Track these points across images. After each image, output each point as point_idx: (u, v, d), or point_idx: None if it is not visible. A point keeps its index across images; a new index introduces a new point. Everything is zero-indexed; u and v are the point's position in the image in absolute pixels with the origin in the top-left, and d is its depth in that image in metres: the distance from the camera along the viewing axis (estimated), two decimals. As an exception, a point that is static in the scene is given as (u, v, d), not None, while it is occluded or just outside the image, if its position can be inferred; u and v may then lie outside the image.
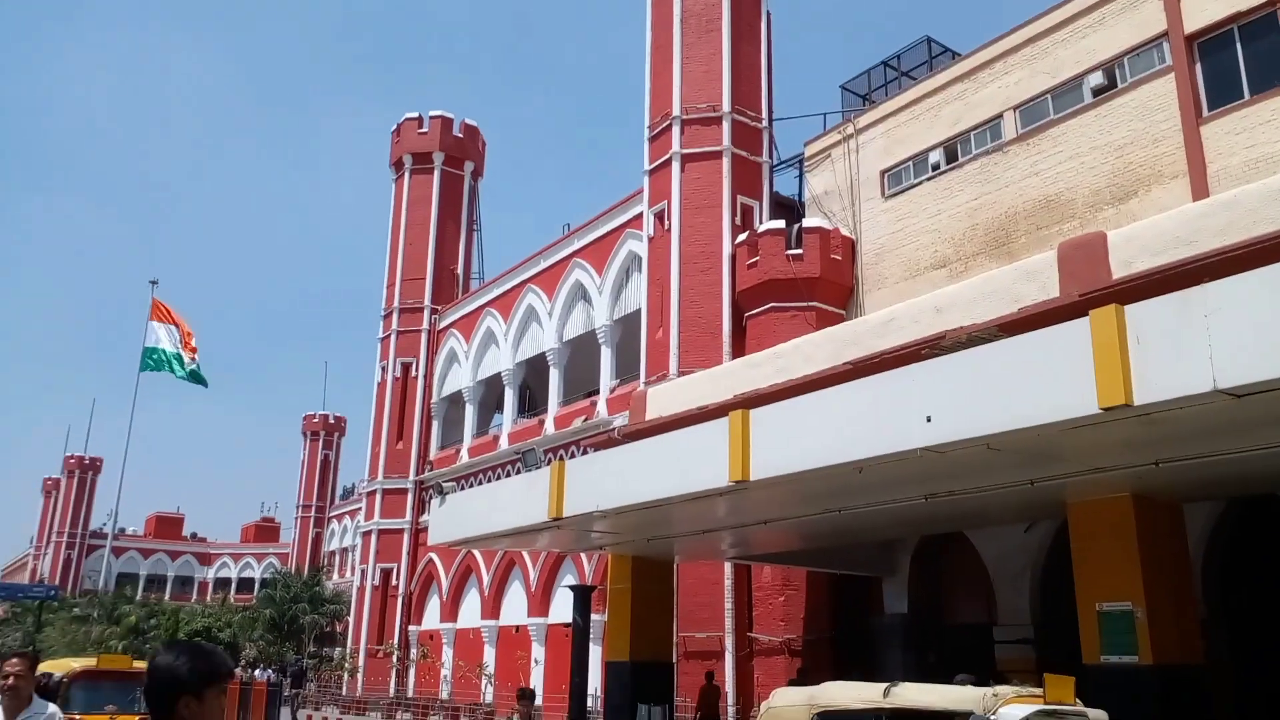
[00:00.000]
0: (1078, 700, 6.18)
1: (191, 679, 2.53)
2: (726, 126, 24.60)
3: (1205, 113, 16.97)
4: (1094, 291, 11.72)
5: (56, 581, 67.05)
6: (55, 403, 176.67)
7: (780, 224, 22.73)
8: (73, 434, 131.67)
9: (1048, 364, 7.58)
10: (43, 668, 12.79)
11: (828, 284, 21.91)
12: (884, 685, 6.56)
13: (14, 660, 5.16)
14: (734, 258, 23.29)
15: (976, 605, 17.23)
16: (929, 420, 8.05)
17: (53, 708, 5.18)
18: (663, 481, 11.29)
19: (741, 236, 23.34)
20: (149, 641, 39.54)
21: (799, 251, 21.96)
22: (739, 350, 21.94)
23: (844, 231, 22.87)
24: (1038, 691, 5.99)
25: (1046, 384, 7.48)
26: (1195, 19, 17.20)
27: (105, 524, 65.15)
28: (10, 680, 4.98)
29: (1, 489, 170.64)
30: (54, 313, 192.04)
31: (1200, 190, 16.27)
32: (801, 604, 19.57)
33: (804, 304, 21.42)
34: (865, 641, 17.89)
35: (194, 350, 34.08)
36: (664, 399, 18.44)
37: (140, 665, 11.51)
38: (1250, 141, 16.15)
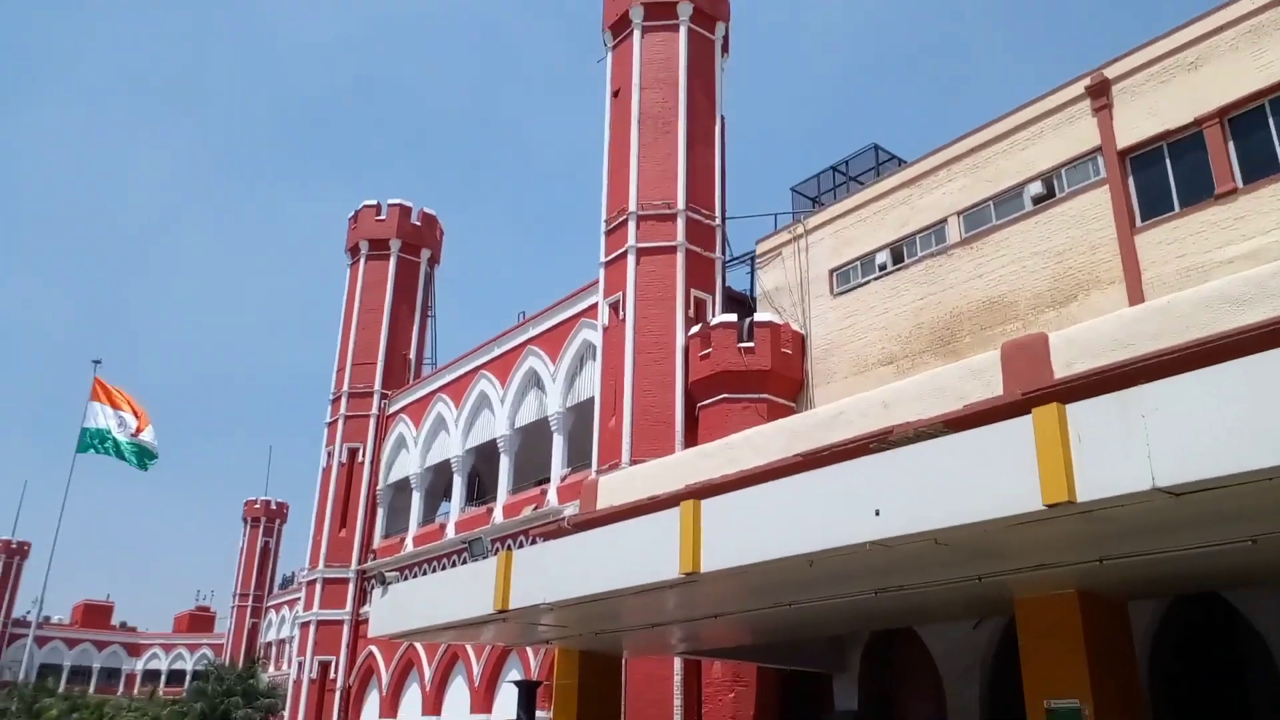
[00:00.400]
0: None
1: None
2: (681, 223, 25.16)
3: (1139, 223, 17.77)
4: (1036, 391, 12.03)
5: (-28, 672, 63.63)
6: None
7: (733, 318, 23.12)
8: (0, 516, 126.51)
9: (992, 460, 7.72)
10: None
11: (779, 377, 22.22)
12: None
13: None
14: (687, 349, 23.56)
15: (926, 702, 17.11)
16: (877, 514, 8.12)
17: None
18: (612, 572, 11.17)
19: (695, 329, 23.66)
20: (68, 738, 37.50)
21: (750, 345, 22.30)
22: (691, 440, 22.02)
23: (794, 327, 23.31)
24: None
25: (991, 479, 7.61)
26: (1127, 135, 18.15)
27: (29, 611, 62.40)
28: None
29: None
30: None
31: (1136, 296, 16.93)
32: (752, 701, 19.26)
33: (755, 395, 21.67)
34: (815, 740, 17.61)
35: (145, 423, 33.26)
36: (615, 487, 18.37)
37: None
38: (1181, 251, 16.91)
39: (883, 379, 19.46)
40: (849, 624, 15.55)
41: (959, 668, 16.26)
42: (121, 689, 68.89)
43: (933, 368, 17.31)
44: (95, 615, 79.34)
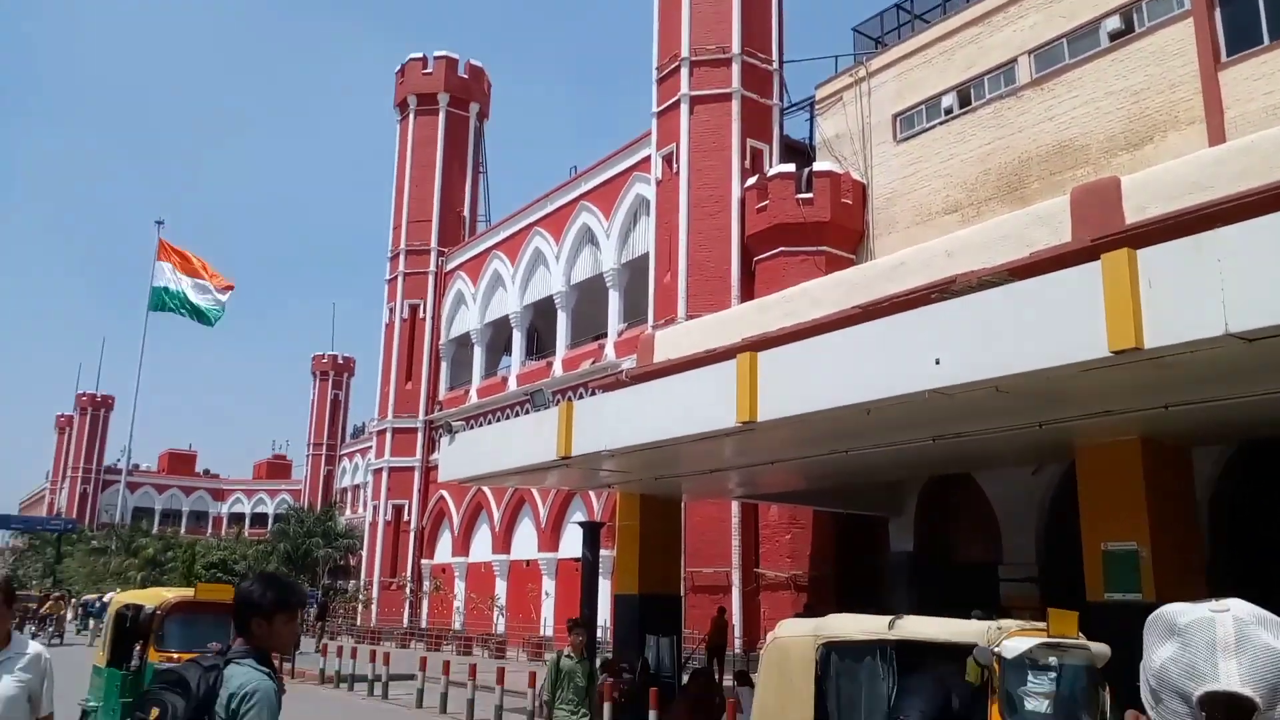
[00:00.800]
0: (1080, 635, 6.34)
1: (263, 604, 2.95)
2: (736, 69, 24.30)
3: (1224, 58, 16.71)
4: (1106, 236, 11.69)
5: (73, 515, 68.09)
6: (65, 340, 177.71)
7: (790, 168, 22.58)
8: (84, 371, 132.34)
9: (1058, 307, 7.61)
10: (129, 598, 11.47)
11: (838, 228, 21.83)
12: (889, 618, 6.74)
13: None
14: (743, 201, 23.18)
15: (982, 545, 17.48)
16: (938, 363, 8.11)
17: (35, 647, 4.13)
18: (670, 422, 11.41)
19: (751, 180, 23.19)
20: (166, 573, 40.28)
21: (809, 195, 21.84)
22: (747, 295, 21.95)
23: (855, 176, 22.71)
24: (1041, 626, 6.15)
25: (1057, 327, 7.52)
26: (1218, -42, 16.86)
27: (119, 460, 65.94)
28: None
29: (15, 425, 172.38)
30: (63, 250, 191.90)
31: (1217, 136, 16.11)
32: (808, 541, 19.88)
33: (814, 248, 21.38)
34: (870, 579, 18.21)
35: (213, 279, 33.96)
36: (672, 342, 18.53)
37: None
38: (1269, 87, 15.94)
39: (946, 228, 19.03)
40: (906, 470, 15.78)
41: (1016, 512, 16.50)
42: (210, 530, 73.30)
43: (999, 215, 16.86)
44: (180, 463, 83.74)
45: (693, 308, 22.86)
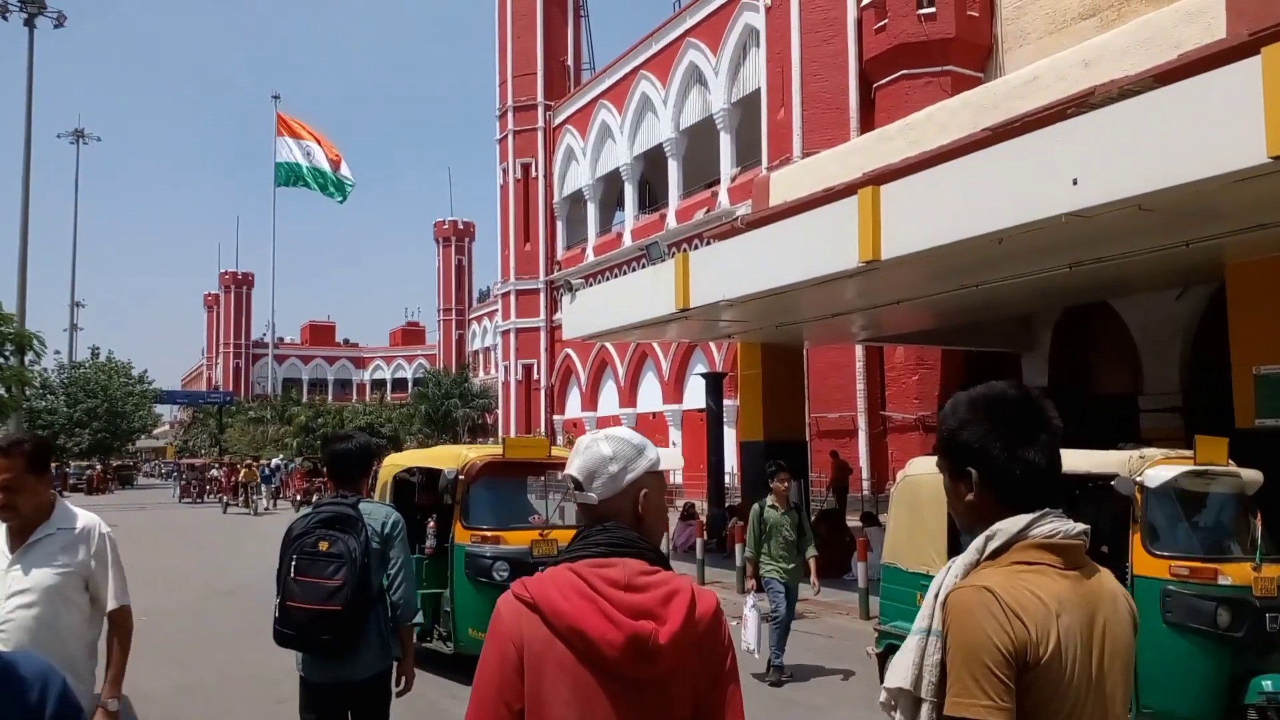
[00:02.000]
0: (1230, 462, 6.02)
1: (367, 460, 2.70)
2: (847, -125, 22.42)
3: None
4: (1267, 29, 10.49)
5: (230, 388, 73.06)
6: (205, 221, 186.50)
7: (910, -19, 20.99)
8: (223, 251, 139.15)
9: (1210, 112, 6.93)
10: (408, 460, 9.74)
11: (964, 44, 20.31)
12: (1023, 452, 6.54)
13: None
14: (860, 23, 21.79)
15: (1121, 376, 16.79)
16: (1075, 183, 7.58)
17: (88, 519, 3.34)
18: (790, 267, 11.15)
19: None
20: (318, 439, 43.00)
21: (931, 10, 20.31)
22: (867, 125, 20.92)
23: (981, -16, 20.96)
24: (1188, 454, 5.85)
25: (1208, 135, 6.87)
26: None
27: (265, 334, 69.91)
28: None
29: (169, 305, 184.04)
30: (192, 133, 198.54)
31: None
32: (936, 382, 19.51)
33: (938, 69, 20.03)
34: (1002, 416, 17.83)
35: (337, 157, 34.66)
36: (789, 182, 17.93)
37: (561, 453, 8.38)
38: None
39: (1083, 35, 17.47)
40: (1039, 301, 15.14)
41: (1158, 339, 15.71)
42: (354, 396, 77.54)
43: (1142, 15, 15.35)
44: (321, 334, 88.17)
45: (809, 144, 22.01)
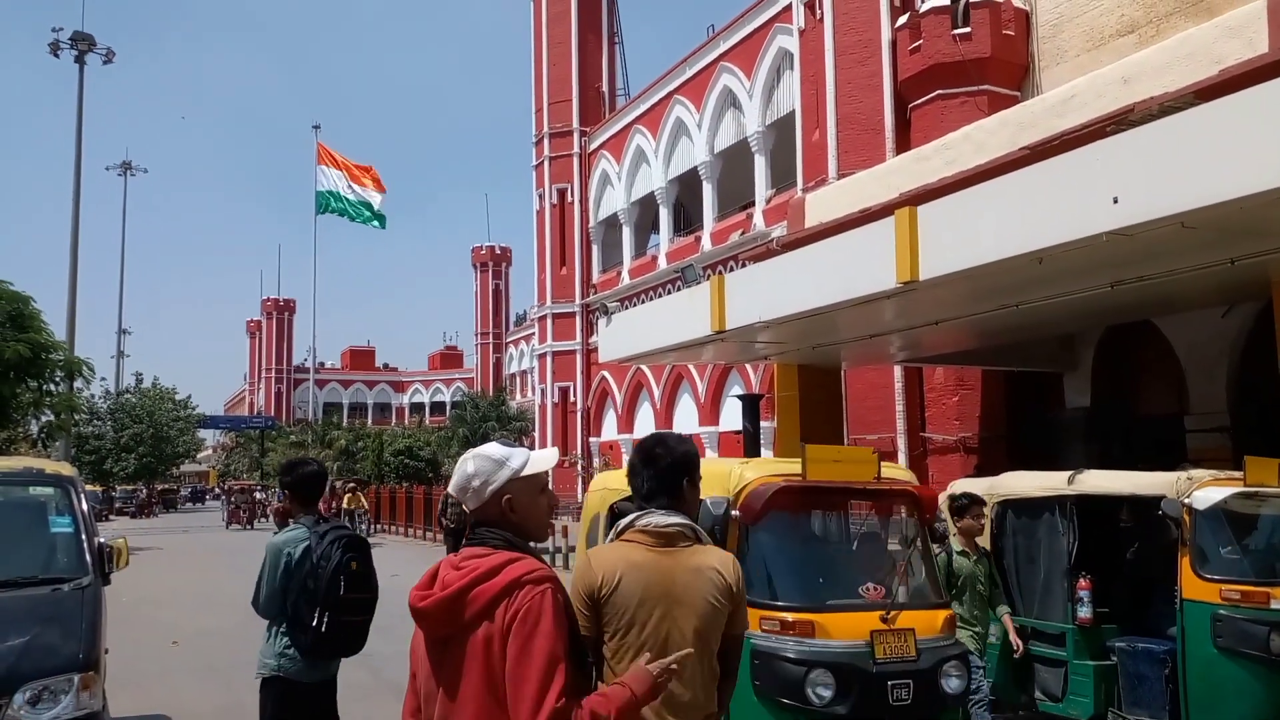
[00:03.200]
0: (1281, 483, 5.90)
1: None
2: (879, -102, 22.48)
3: None
4: (1313, 42, 10.35)
5: (271, 413, 74.01)
6: (246, 249, 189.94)
7: (945, 0, 20.95)
8: (265, 278, 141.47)
9: (1253, 128, 6.83)
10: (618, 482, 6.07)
11: (1000, 63, 20.20)
12: (1068, 473, 6.45)
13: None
14: (894, 44, 21.75)
15: (1166, 395, 16.48)
16: (1116, 201, 7.49)
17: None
18: (826, 288, 11.10)
19: (902, 19, 21.68)
20: (358, 462, 43.38)
21: (967, 30, 20.23)
22: (903, 146, 20.84)
23: (1017, 3, 20.85)
24: (1237, 475, 5.74)
25: (1252, 150, 6.77)
26: None
27: (306, 359, 70.83)
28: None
29: (213, 332, 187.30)
30: (234, 163, 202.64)
31: None
32: (976, 403, 19.26)
33: (974, 88, 19.91)
34: (1044, 437, 17.53)
35: (379, 185, 35.08)
36: (824, 204, 17.91)
37: (897, 473, 5.70)
38: None
39: (1122, 52, 17.31)
40: (1081, 321, 14.92)
41: (1204, 358, 15.41)
42: (394, 420, 78.22)
43: (1182, 31, 15.20)
44: (361, 359, 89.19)
45: (844, 165, 21.96)
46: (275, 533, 4.72)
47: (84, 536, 5.39)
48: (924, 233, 9.51)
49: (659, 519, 2.58)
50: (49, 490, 5.69)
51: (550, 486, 2.49)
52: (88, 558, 5.30)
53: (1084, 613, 6.16)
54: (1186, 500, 5.57)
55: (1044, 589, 6.51)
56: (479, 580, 2.14)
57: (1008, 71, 20.36)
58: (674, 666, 2.28)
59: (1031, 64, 20.50)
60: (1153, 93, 11.65)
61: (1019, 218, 8.53)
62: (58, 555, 5.43)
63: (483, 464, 2.26)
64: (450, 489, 2.32)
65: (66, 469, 6.13)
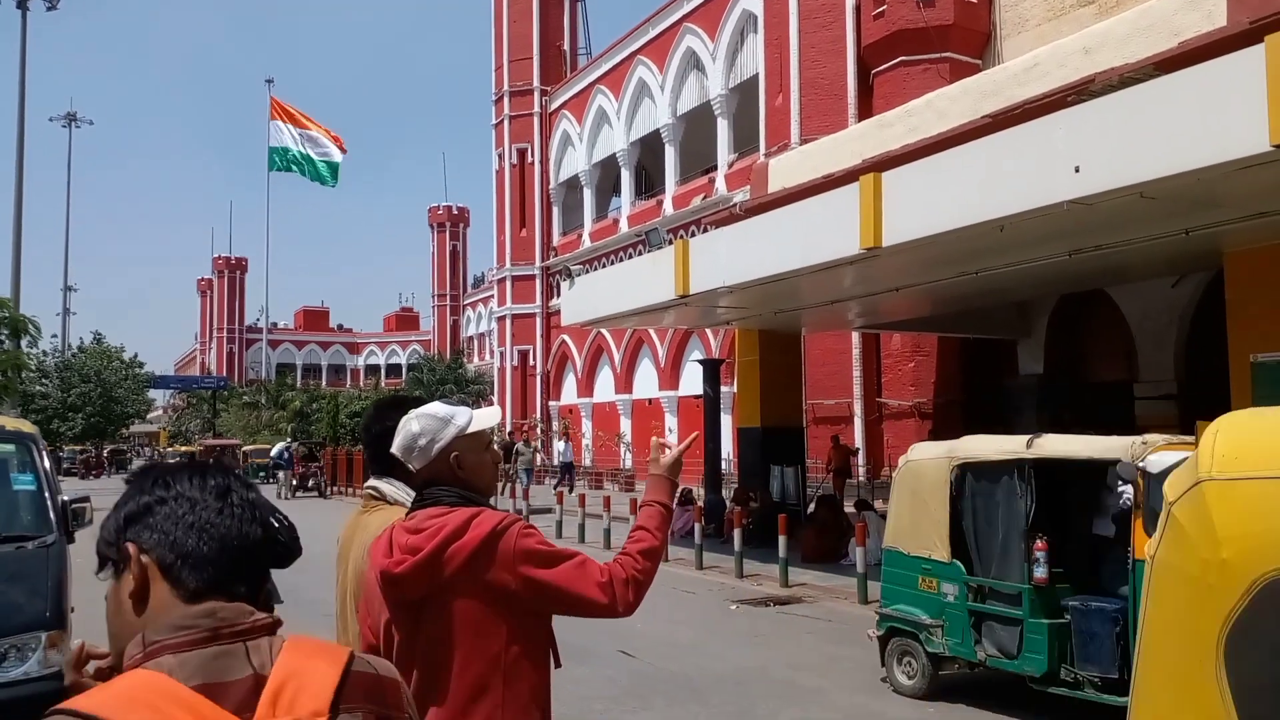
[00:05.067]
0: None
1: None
2: None
3: None
4: (1268, 17, 10.53)
5: (223, 373, 72.83)
6: (197, 206, 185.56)
7: (908, -32, 20.93)
8: (216, 236, 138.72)
9: (1212, 100, 6.98)
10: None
11: (963, 31, 20.29)
12: (1027, 437, 6.61)
13: None
14: (858, 9, 21.73)
15: (1116, 363, 16.89)
16: (1077, 171, 7.63)
17: None
18: (789, 254, 11.19)
19: (866, -14, 21.68)
20: (313, 424, 42.96)
21: (929, -3, 20.29)
22: (866, 112, 20.90)
23: (979, -28, 20.92)
24: (1189, 439, 5.92)
25: (1210, 123, 6.92)
26: None
27: (259, 319, 69.72)
28: None
29: (162, 290, 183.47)
30: (185, 119, 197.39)
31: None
32: (932, 369, 19.58)
33: (937, 55, 20.00)
34: (998, 403, 17.90)
35: (341, 145, 34.33)
36: (787, 169, 17.95)
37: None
38: None
39: (1083, 22, 17.48)
40: (1037, 289, 15.21)
41: (1154, 327, 15.80)
42: (349, 382, 77.43)
43: (1142, 2, 15.38)
44: (315, 319, 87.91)
45: (807, 130, 22.01)
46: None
47: (47, 494, 5.32)
48: (887, 199, 9.61)
49: (382, 486, 2.75)
50: (9, 447, 5.60)
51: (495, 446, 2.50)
52: (51, 515, 5.25)
53: (1040, 573, 6.33)
54: (1141, 464, 5.74)
55: (1001, 550, 6.68)
56: (452, 538, 2.12)
57: (970, 39, 20.47)
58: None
59: (993, 32, 20.62)
60: (1114, 63, 11.81)
61: (981, 186, 8.64)
62: (20, 513, 5.37)
63: (429, 423, 2.26)
64: (394, 449, 2.30)
65: (27, 426, 6.02)
